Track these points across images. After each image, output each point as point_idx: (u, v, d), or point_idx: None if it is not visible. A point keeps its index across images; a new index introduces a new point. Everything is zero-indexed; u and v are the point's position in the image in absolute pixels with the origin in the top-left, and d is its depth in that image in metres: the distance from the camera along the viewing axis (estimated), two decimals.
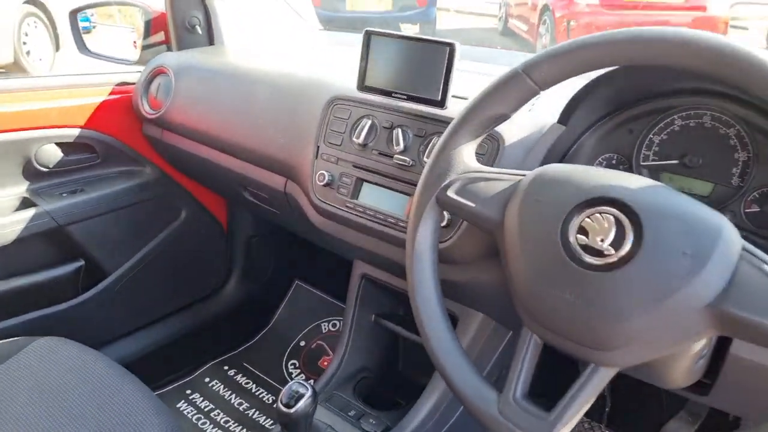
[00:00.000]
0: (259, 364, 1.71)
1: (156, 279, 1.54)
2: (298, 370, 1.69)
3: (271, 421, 1.53)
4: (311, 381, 0.89)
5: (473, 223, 0.67)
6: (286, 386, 0.84)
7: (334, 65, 1.26)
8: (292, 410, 0.81)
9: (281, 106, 1.12)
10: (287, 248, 1.84)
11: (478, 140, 0.70)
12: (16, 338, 1.00)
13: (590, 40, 0.60)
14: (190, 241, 1.61)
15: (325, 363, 1.70)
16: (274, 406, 1.43)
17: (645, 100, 0.82)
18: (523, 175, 0.65)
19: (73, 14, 1.53)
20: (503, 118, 0.67)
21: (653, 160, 0.82)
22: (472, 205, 0.66)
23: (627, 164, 0.84)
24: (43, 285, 1.34)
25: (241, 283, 1.79)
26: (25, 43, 4.83)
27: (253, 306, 1.82)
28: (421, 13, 6.42)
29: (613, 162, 0.85)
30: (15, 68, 4.73)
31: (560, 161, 0.86)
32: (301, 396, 0.82)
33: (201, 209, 1.62)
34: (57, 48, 5.08)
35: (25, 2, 4.81)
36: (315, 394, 0.83)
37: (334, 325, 1.81)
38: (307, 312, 1.84)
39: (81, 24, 1.63)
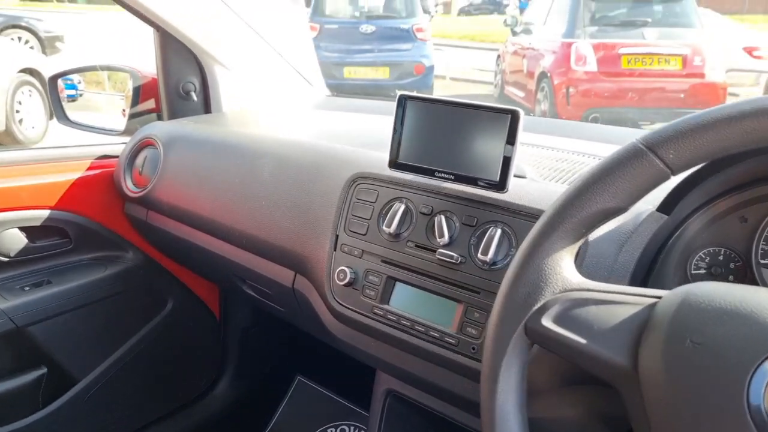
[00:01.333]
0: None
1: (134, 384, 1.31)
2: None
3: None
4: None
5: (584, 367, 0.46)
6: None
7: (354, 136, 1.08)
8: None
9: (291, 184, 0.93)
10: (288, 337, 1.60)
11: (579, 243, 0.50)
12: None
13: (745, 107, 0.42)
14: (176, 336, 1.38)
15: None
16: None
17: (762, 182, 0.64)
18: (658, 297, 0.45)
19: (53, 80, 1.37)
20: (617, 212, 0.48)
21: None
22: (582, 341, 0.45)
23: (739, 261, 0.66)
24: None
25: (235, 382, 1.54)
26: (18, 111, 4.82)
27: (247, 408, 1.57)
28: (418, 80, 6.48)
29: (721, 258, 0.66)
30: (6, 136, 4.67)
31: (654, 257, 0.67)
32: None
33: (191, 298, 1.40)
34: (51, 116, 5.03)
35: (20, 71, 4.81)
36: None
37: (342, 431, 1.54)
38: (311, 414, 1.59)
39: (67, 91, 1.49)
